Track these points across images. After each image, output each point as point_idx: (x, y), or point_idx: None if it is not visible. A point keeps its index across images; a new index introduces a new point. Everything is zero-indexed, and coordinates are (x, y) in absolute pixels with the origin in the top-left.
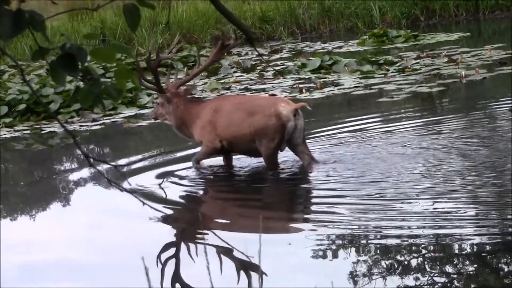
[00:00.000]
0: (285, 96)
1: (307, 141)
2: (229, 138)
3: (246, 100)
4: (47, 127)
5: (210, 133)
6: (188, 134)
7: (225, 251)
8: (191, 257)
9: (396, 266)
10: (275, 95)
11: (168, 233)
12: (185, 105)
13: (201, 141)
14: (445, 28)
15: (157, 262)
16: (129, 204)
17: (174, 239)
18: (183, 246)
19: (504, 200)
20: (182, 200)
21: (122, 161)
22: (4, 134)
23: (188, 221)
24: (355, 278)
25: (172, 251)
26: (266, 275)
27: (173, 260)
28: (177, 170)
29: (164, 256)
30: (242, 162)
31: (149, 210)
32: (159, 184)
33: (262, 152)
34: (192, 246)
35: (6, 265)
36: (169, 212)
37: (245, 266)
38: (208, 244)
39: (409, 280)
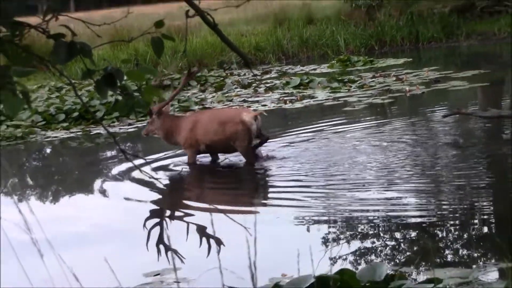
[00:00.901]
0: (273, 106)
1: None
2: (208, 143)
3: (218, 113)
4: (94, 129)
5: (192, 140)
6: (174, 142)
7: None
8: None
9: (357, 235)
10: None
11: (166, 207)
12: (170, 120)
13: (185, 146)
14: (394, 55)
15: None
16: (148, 186)
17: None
18: (191, 219)
19: (438, 187)
20: (180, 185)
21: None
22: (62, 135)
23: (184, 199)
24: (327, 243)
25: (164, 222)
26: (224, 245)
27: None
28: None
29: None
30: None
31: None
32: (179, 172)
33: (239, 150)
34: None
35: (60, 232)
36: (175, 191)
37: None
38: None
39: (367, 244)
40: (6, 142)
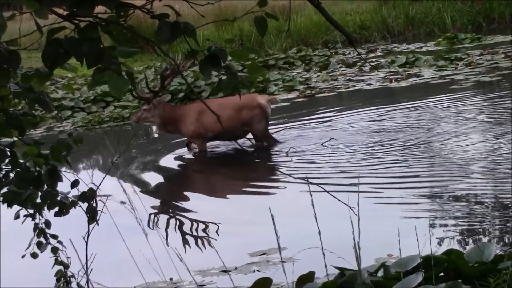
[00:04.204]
0: (379, 85)
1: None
2: (218, 131)
3: (229, 100)
4: None
5: (198, 128)
6: (172, 130)
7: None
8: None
9: (463, 215)
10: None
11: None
12: (171, 109)
13: (192, 136)
14: (502, 32)
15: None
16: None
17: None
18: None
19: None
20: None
21: None
22: None
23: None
24: (433, 224)
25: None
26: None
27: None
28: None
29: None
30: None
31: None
32: (286, 152)
33: (258, 134)
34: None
35: (164, 212)
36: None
37: None
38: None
39: (475, 224)
40: (114, 123)
